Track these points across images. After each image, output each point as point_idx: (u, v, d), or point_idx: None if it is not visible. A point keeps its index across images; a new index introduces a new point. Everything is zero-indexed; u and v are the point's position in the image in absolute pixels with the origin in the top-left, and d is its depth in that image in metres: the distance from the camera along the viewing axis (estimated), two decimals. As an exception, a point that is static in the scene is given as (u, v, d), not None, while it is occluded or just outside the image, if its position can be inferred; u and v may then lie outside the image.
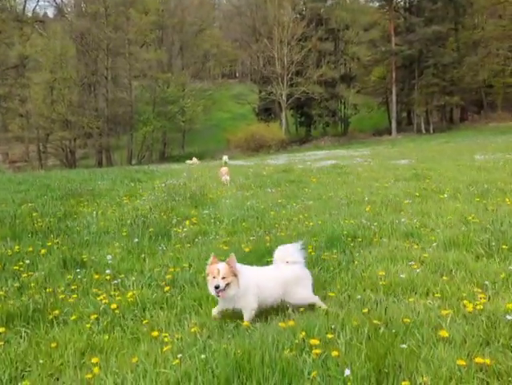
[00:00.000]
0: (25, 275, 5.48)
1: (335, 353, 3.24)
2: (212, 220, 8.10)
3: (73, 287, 5.10)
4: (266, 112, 62.63)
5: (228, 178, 14.37)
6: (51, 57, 41.17)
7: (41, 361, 3.66)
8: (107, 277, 5.25)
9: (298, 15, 57.22)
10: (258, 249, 5.92)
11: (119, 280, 5.17)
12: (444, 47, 57.88)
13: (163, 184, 14.65)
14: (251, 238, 6.66)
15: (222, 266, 4.14)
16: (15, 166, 46.71)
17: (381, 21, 63.52)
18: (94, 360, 3.55)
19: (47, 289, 5.04)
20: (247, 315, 4.15)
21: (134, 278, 5.19)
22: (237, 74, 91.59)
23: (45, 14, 66.33)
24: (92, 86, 45.43)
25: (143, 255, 6.12)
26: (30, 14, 59.13)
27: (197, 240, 6.87)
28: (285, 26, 51.77)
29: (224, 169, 15.72)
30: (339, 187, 11.68)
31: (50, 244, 6.83)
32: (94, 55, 45.11)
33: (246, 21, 61.51)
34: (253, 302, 4.17)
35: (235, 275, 4.12)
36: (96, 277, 5.32)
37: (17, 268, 5.74)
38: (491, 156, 18.91)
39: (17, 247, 6.58)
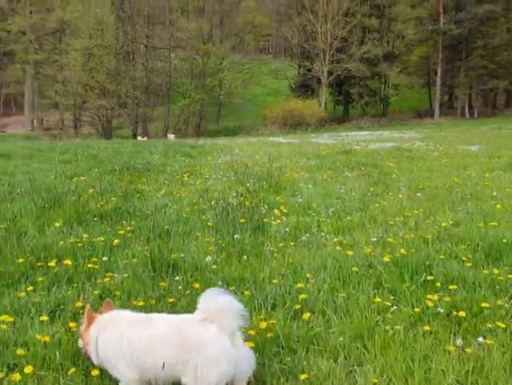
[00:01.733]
0: (106, 279, 4.28)
1: None
2: (306, 211, 6.80)
3: (171, 300, 3.89)
4: (303, 89, 60.70)
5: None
6: (91, 23, 39.99)
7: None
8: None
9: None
10: (401, 259, 4.59)
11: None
12: (495, 28, 54.98)
13: (219, 161, 13.47)
14: (372, 239, 5.36)
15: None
16: (50, 133, 46.07)
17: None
18: None
19: (137, 301, 3.84)
20: None
21: (249, 293, 3.95)
22: (271, 50, 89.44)
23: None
24: (131, 54, 44.16)
25: (245, 256, 4.86)
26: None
27: (299, 236, 5.59)
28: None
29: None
30: (429, 175, 10.25)
31: (122, 232, 5.64)
32: (133, 23, 43.79)
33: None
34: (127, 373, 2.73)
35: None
36: (197, 286, 4.09)
37: (91, 266, 4.55)
38: None
39: (85, 236, 5.39)
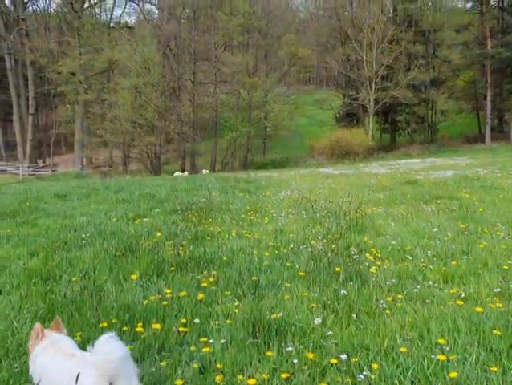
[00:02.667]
0: (204, 349, 3.69)
1: None
2: (401, 254, 6.11)
3: (284, 376, 3.27)
4: (348, 118, 60.09)
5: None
6: (139, 62, 40.71)
7: None
8: (334, 363, 3.38)
9: (388, 16, 54.50)
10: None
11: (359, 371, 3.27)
12: (545, 50, 53.33)
13: (281, 197, 12.93)
14: (495, 290, 4.63)
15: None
16: (100, 171, 46.76)
17: (474, 22, 59.54)
18: None
19: (244, 377, 3.24)
20: None
21: (378, 367, 3.29)
22: (313, 80, 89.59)
23: (132, 19, 67.01)
24: (177, 90, 44.64)
25: (354, 315, 4.21)
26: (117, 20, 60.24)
27: (405, 286, 4.91)
28: (374, 28, 49.25)
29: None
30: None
31: (205, 284, 5.10)
32: (179, 60, 44.33)
33: (331, 24, 59.39)
34: None
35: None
36: (311, 356, 3.46)
37: (182, 329, 3.99)
38: None
39: (167, 291, 4.85)
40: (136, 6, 65.44)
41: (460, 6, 63.94)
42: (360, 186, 15.33)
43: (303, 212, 9.56)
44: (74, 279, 5.41)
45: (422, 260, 5.80)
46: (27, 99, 57.46)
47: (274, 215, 9.75)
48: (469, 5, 62.60)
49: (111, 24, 58.73)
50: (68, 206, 12.80)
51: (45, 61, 51.60)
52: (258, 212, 10.24)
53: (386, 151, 54.55)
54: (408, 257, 5.94)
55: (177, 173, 31.45)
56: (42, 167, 55.97)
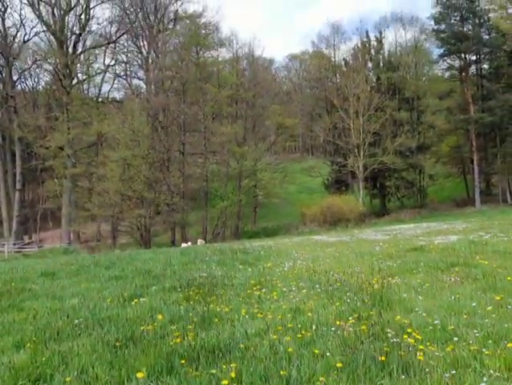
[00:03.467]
0: None
1: None
2: (443, 335, 5.34)
3: None
4: (337, 184, 60.23)
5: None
6: (128, 134, 40.66)
7: None
8: None
9: (371, 85, 55.75)
10: None
11: None
12: (527, 113, 54.60)
13: (285, 268, 12.16)
14: None
15: None
16: (88, 246, 45.60)
17: (456, 89, 61.18)
18: None
19: None
20: None
21: None
22: (299, 148, 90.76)
23: (121, 94, 67.90)
24: (167, 161, 44.48)
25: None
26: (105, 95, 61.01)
27: (463, 379, 4.12)
28: (360, 96, 50.25)
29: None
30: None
31: (226, 382, 4.28)
32: (169, 131, 44.48)
33: (316, 94, 60.77)
34: None
35: None
36: None
37: None
38: None
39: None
40: (124, 82, 66.53)
41: (439, 74, 65.82)
42: (365, 254, 14.63)
43: (316, 285, 8.78)
44: (68, 380, 4.56)
45: (471, 342, 5.03)
46: (14, 174, 57.05)
47: (284, 289, 8.97)
48: (447, 74, 64.54)
49: (100, 99, 59.34)
50: (57, 286, 11.92)
51: (33, 136, 51.54)
52: (265, 287, 9.44)
53: (377, 216, 54.31)
54: (454, 338, 5.18)
55: (184, 244, 30.92)
56: (28, 243, 54.66)
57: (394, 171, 54.35)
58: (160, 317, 7.16)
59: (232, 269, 12.63)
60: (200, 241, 31.66)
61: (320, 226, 46.71)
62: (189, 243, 31.58)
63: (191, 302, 8.22)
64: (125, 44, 61.35)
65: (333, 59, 63.34)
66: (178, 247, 29.73)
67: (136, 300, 8.80)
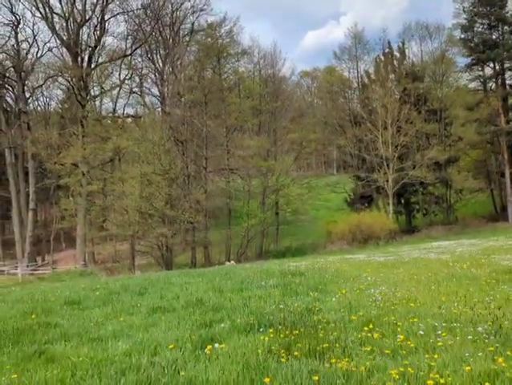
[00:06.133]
0: None
1: None
2: None
3: None
4: (362, 200, 57.47)
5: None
6: (149, 148, 38.42)
7: None
8: None
9: (396, 96, 53.49)
10: None
11: None
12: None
13: (378, 297, 9.56)
14: None
15: None
16: (105, 267, 43.11)
17: (484, 99, 58.71)
18: None
19: None
20: None
21: None
22: (321, 164, 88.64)
23: (137, 108, 66.21)
24: (188, 178, 42.18)
25: None
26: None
27: None
28: (387, 107, 47.89)
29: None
30: None
31: None
32: (191, 145, 42.25)
33: (338, 105, 58.61)
34: None
35: None
36: None
37: None
38: None
39: None
40: (139, 98, 64.73)
41: (466, 84, 63.41)
42: (451, 277, 12.02)
43: (467, 327, 6.22)
44: None
45: None
46: (27, 194, 55.26)
47: (416, 331, 6.42)
48: (473, 84, 62.16)
49: (116, 114, 57.68)
50: (88, 319, 9.45)
51: (47, 153, 49.63)
52: (378, 326, 6.91)
53: (404, 233, 51.61)
54: None
55: (228, 263, 29.06)
56: (42, 265, 52.46)
57: (421, 185, 51.80)
58: (267, 381, 4.68)
59: (305, 297, 10.09)
60: (231, 262, 29.40)
61: (349, 244, 44.37)
62: (232, 262, 29.55)
63: (295, 354, 5.70)
64: (139, 60, 59.93)
65: (355, 71, 61.46)
66: (206, 268, 27.29)
67: (209, 346, 6.30)
